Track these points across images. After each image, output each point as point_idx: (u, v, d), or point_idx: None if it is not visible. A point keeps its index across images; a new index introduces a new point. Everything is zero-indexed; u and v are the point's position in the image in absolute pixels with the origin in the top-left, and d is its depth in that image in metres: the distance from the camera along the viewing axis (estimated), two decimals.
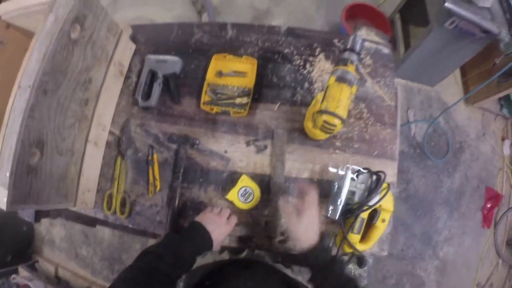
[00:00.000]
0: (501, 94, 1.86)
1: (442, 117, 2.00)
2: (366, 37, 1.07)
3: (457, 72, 2.11)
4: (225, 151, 0.87)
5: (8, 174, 0.63)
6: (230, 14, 2.15)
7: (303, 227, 0.66)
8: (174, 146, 0.89)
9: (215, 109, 0.89)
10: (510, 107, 2.05)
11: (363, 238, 0.80)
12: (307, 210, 0.67)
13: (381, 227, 0.79)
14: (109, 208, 0.89)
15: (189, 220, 0.83)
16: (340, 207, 0.74)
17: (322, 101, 0.71)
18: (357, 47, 0.72)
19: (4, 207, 0.63)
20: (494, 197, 1.95)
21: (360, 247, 0.79)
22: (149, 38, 1.04)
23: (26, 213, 1.03)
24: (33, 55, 0.68)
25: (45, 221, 2.13)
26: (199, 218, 0.72)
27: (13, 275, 1.83)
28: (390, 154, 0.90)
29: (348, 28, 1.87)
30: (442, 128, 2.00)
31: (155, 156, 0.89)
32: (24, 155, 0.66)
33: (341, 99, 0.68)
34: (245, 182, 0.82)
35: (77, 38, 0.75)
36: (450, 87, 2.07)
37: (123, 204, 0.89)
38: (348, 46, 0.72)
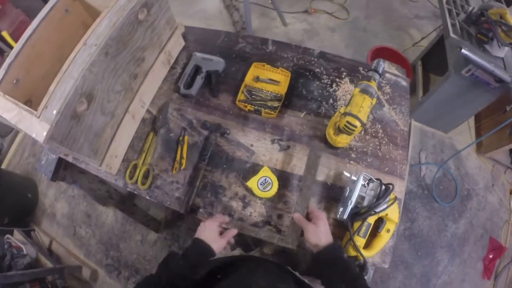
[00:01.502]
0: None
1: (453, 163, 2.06)
2: (388, 69, 1.19)
3: (472, 122, 2.19)
4: (251, 145, 0.97)
5: (55, 112, 0.70)
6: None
7: (322, 231, 0.74)
8: (205, 132, 0.99)
9: (249, 107, 1.00)
10: None
11: (367, 246, 0.84)
12: (322, 219, 0.76)
13: (386, 237, 0.84)
14: (131, 178, 0.95)
15: (205, 200, 0.91)
16: (349, 208, 0.81)
17: (347, 106, 0.82)
18: (380, 69, 0.86)
19: (41, 140, 0.69)
20: (497, 249, 1.93)
21: (363, 253, 0.83)
22: (197, 39, 1.19)
23: (45, 170, 1.10)
24: (104, 21, 0.80)
25: (51, 194, 2.19)
26: (199, 233, 0.78)
27: (7, 235, 1.83)
28: (399, 173, 0.97)
29: None
30: (452, 173, 2.05)
31: (186, 137, 0.98)
32: (74, 100, 0.73)
33: (363, 106, 0.80)
34: (266, 172, 0.88)
35: (142, 19, 0.88)
36: (464, 135, 2.15)
37: (145, 176, 0.95)
38: (373, 67, 0.87)
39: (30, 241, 1.88)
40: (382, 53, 2.13)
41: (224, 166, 0.95)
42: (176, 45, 1.13)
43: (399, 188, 0.95)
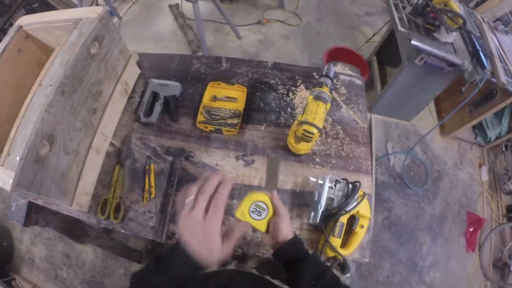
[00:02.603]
0: (474, 122, 2.03)
1: (420, 148, 2.15)
2: (341, 71, 1.24)
3: (432, 107, 2.31)
4: (217, 164, 0.98)
5: (18, 158, 0.68)
6: (222, 55, 2.38)
7: (286, 224, 0.65)
8: (170, 158, 0.99)
9: (209, 127, 1.01)
10: (484, 135, 2.20)
11: (344, 245, 0.87)
12: (284, 212, 0.66)
13: (361, 233, 0.87)
14: (103, 213, 0.94)
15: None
16: (320, 211, 0.83)
17: (302, 114, 0.85)
18: (331, 73, 0.90)
19: (8, 189, 0.67)
20: (476, 221, 2.03)
21: (341, 252, 0.85)
22: (152, 65, 1.19)
23: (16, 216, 1.06)
24: (57, 60, 0.79)
25: (26, 240, 2.10)
26: (181, 232, 0.53)
27: None
28: (365, 169, 1.00)
29: None
30: (420, 158, 2.15)
31: (152, 166, 0.98)
32: (36, 144, 0.72)
33: (318, 113, 0.84)
34: (254, 197, 0.68)
35: (95, 53, 0.88)
36: (426, 120, 2.26)
37: (117, 209, 0.94)
38: (324, 73, 0.91)
39: None
40: (337, 53, 2.21)
41: None
42: (131, 74, 1.13)
43: (367, 184, 0.98)
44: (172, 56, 1.22)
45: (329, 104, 0.89)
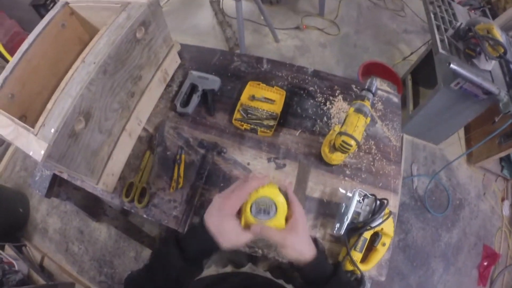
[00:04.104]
0: (502, 154, 1.96)
1: (445, 174, 2.10)
2: (380, 86, 1.22)
3: (461, 133, 2.25)
4: (248, 163, 0.98)
5: (53, 130, 0.69)
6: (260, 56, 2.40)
7: (302, 240, 0.58)
8: (202, 151, 1.00)
9: (245, 126, 1.02)
10: (510, 168, 2.14)
11: (364, 260, 0.86)
12: (301, 221, 0.59)
13: (381, 251, 0.86)
14: (127, 196, 0.95)
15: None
16: (346, 224, 0.83)
17: (342, 126, 0.85)
18: (373, 88, 0.89)
19: (39, 159, 0.67)
20: (491, 256, 1.96)
21: (360, 267, 0.84)
22: (193, 57, 1.21)
23: (39, 186, 1.09)
24: (103, 39, 0.80)
25: (43, 209, 2.15)
26: (207, 215, 0.59)
27: None
28: (393, 188, 0.99)
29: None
30: (444, 184, 2.09)
31: (183, 156, 0.99)
32: (72, 119, 0.73)
33: (357, 126, 0.83)
34: (258, 193, 0.58)
35: (140, 38, 0.90)
36: (454, 146, 2.20)
37: (142, 194, 0.95)
38: (366, 87, 0.90)
39: (22, 257, 1.83)
40: (373, 68, 2.18)
41: (221, 184, 0.96)
42: (172, 63, 1.15)
43: (393, 203, 0.97)
44: (213, 50, 1.23)
45: (369, 119, 0.88)
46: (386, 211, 0.83)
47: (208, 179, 0.96)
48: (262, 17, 2.46)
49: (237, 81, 1.14)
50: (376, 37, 2.65)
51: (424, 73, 2.10)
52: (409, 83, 2.15)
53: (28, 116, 0.86)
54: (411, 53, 2.33)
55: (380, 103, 1.15)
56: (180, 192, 0.96)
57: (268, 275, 0.93)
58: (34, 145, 0.69)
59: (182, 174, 0.96)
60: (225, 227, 0.56)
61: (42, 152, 0.68)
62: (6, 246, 1.84)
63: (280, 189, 0.59)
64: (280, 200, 0.58)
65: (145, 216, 0.95)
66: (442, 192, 2.08)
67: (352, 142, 0.84)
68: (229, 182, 0.96)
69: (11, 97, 0.82)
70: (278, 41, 2.60)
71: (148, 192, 0.95)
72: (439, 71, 1.79)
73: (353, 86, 1.17)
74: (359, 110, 0.86)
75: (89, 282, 1.88)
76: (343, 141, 0.84)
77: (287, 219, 0.59)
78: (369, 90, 0.89)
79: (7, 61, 2.28)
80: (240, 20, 2.10)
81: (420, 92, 2.13)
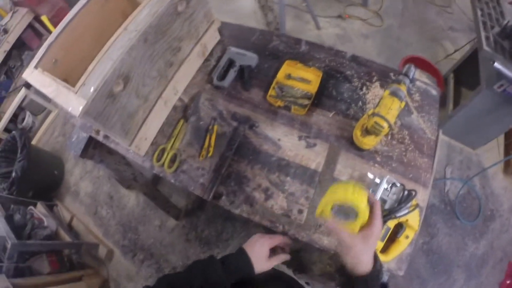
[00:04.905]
0: None
1: (479, 181, 1.99)
2: (419, 77, 1.18)
3: (501, 140, 2.12)
4: (279, 139, 0.99)
5: (92, 89, 0.74)
6: None
7: (366, 251, 0.57)
8: (234, 123, 1.02)
9: (279, 102, 1.02)
10: None
11: (385, 251, 0.85)
12: (375, 231, 0.57)
13: (404, 243, 0.84)
14: (158, 160, 1.00)
15: (228, 189, 0.94)
16: None
17: (375, 107, 0.84)
18: (410, 74, 0.88)
19: (77, 114, 0.73)
20: None
21: (380, 257, 0.83)
22: (232, 35, 1.23)
23: (75, 147, 1.16)
24: (145, 10, 0.85)
25: (76, 173, 2.30)
26: (248, 245, 0.71)
27: (30, 207, 1.92)
28: (423, 181, 0.96)
29: None
30: (477, 191, 1.99)
31: (215, 126, 1.02)
32: (111, 80, 0.78)
33: (391, 108, 0.82)
34: (336, 197, 0.58)
35: (181, 11, 0.93)
36: (492, 152, 2.08)
37: (172, 160, 0.99)
38: (403, 72, 0.88)
39: (52, 215, 1.99)
40: (415, 63, 2.06)
41: (250, 157, 0.97)
42: (212, 38, 1.18)
43: (422, 196, 0.94)
44: (253, 29, 1.24)
45: (403, 103, 0.86)
46: (414, 202, 0.81)
47: (237, 151, 0.98)
48: (304, 4, 2.43)
49: (274, 60, 1.14)
50: (420, 32, 2.53)
51: (467, 73, 2.00)
52: (451, 82, 2.05)
53: (70, 81, 0.91)
54: (455, 51, 2.21)
55: (417, 94, 1.11)
56: (209, 160, 0.99)
57: (284, 269, 0.94)
58: (73, 102, 0.75)
59: (213, 144, 0.99)
60: (261, 255, 0.70)
61: (80, 108, 0.73)
62: (38, 204, 2.00)
63: (368, 199, 0.58)
64: (363, 208, 0.56)
65: (172, 181, 0.99)
66: (474, 200, 1.98)
67: (385, 124, 0.82)
68: (258, 156, 0.97)
69: (54, 62, 0.89)
70: (320, 28, 2.56)
71: (178, 158, 0.99)
72: (483, 70, 1.69)
73: (391, 74, 1.14)
74: (394, 93, 0.84)
75: (112, 244, 2.00)
76: (375, 122, 0.83)
77: (362, 228, 0.59)
78: (406, 75, 0.88)
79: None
80: (282, 5, 2.10)
81: (461, 92, 2.03)
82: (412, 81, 0.90)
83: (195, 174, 0.98)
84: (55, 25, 1.59)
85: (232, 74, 1.09)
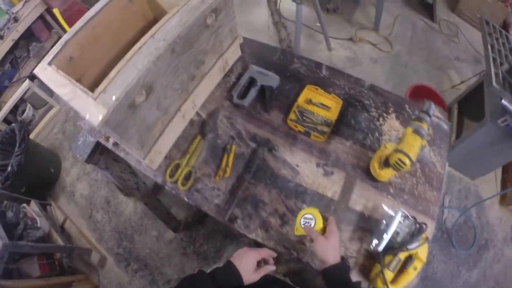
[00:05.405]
0: None
1: (475, 211, 2.03)
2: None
3: (499, 172, 2.17)
4: (297, 165, 0.99)
5: (114, 98, 0.70)
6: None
7: (331, 247, 0.75)
8: (253, 145, 1.02)
9: (299, 127, 1.03)
10: None
11: (393, 281, 0.85)
12: (335, 235, 0.77)
13: (412, 274, 0.85)
14: (171, 176, 0.97)
15: (244, 212, 0.93)
16: (385, 242, 0.83)
17: (399, 143, 0.86)
18: (431, 112, 0.90)
19: (96, 123, 0.69)
20: None
21: (391, 287, 0.84)
22: (253, 52, 1.23)
23: (80, 151, 1.12)
24: (175, 18, 0.82)
25: (74, 173, 2.22)
26: (235, 258, 0.75)
27: (24, 204, 1.84)
28: (432, 214, 0.97)
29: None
30: (473, 221, 2.02)
31: (233, 146, 1.01)
32: (135, 90, 0.74)
33: (413, 146, 0.84)
34: (301, 213, 0.82)
35: (210, 24, 0.92)
36: (489, 184, 2.12)
37: (187, 177, 0.97)
38: (424, 109, 0.91)
39: (45, 215, 1.90)
40: (421, 91, 2.14)
41: (268, 181, 0.97)
42: (233, 54, 1.17)
43: (430, 229, 0.95)
44: (274, 48, 1.25)
45: (425, 141, 0.88)
46: (424, 235, 0.83)
47: (255, 174, 0.98)
48: (318, 24, 2.45)
49: (295, 82, 1.15)
50: (428, 60, 2.58)
51: (471, 105, 2.04)
52: (455, 112, 2.10)
53: (83, 80, 0.88)
54: (461, 82, 2.27)
55: (430, 128, 1.13)
56: (225, 181, 0.98)
57: (287, 280, 0.95)
58: (92, 108, 0.70)
59: (230, 164, 0.98)
60: (249, 267, 0.73)
61: (100, 117, 0.69)
62: (32, 202, 1.91)
63: (321, 214, 0.81)
64: (318, 216, 0.80)
65: (186, 199, 0.97)
66: (470, 229, 2.02)
67: (407, 161, 0.84)
68: (276, 180, 0.97)
69: (69, 60, 0.84)
70: (331, 50, 2.58)
71: (193, 176, 0.97)
72: (488, 105, 1.73)
73: (406, 106, 1.16)
74: (417, 131, 0.87)
75: (106, 251, 1.93)
76: (399, 158, 0.84)
77: (323, 231, 0.79)
78: (427, 112, 0.90)
79: (62, 28, 2.39)
80: (299, 23, 2.11)
81: (464, 123, 2.07)
82: (431, 118, 0.92)
83: (210, 194, 0.97)
84: (66, 19, 1.55)
85: (253, 93, 1.09)
